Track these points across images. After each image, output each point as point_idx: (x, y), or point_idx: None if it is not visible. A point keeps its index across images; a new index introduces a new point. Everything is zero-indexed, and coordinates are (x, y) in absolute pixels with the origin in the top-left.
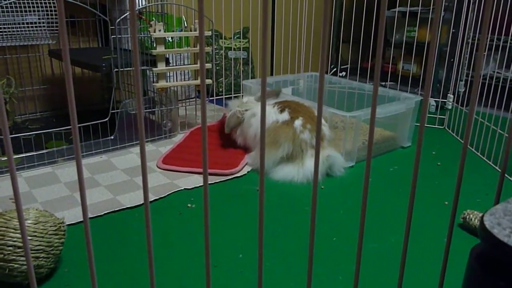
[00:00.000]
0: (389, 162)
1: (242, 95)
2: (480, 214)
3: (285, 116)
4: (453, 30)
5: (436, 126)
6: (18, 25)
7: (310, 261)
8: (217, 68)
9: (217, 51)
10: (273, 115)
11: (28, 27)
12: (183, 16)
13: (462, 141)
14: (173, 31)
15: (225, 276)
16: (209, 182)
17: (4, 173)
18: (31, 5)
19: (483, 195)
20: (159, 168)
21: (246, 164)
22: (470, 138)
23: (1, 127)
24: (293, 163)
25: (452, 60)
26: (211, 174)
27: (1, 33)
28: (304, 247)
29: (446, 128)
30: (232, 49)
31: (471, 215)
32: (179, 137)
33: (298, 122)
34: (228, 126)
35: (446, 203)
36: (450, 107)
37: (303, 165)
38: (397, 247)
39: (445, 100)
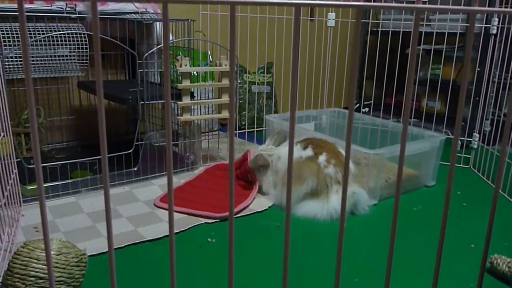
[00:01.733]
0: (413, 201)
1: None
2: (508, 259)
3: (309, 152)
4: (479, 69)
5: (461, 165)
6: (50, 58)
7: None
8: (241, 102)
9: (241, 85)
10: (297, 152)
11: (59, 59)
12: (209, 51)
13: (488, 181)
14: (199, 65)
15: None
16: None
17: (29, 202)
18: (63, 38)
19: (511, 239)
20: (155, 206)
21: (245, 208)
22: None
23: (34, 158)
24: (317, 199)
25: (477, 98)
26: (201, 216)
27: (34, 65)
28: (326, 286)
29: (471, 167)
30: (256, 83)
31: (498, 260)
32: (201, 170)
33: (322, 158)
34: (255, 163)
35: (473, 245)
36: (475, 146)
37: (328, 201)
38: None
39: (471, 139)
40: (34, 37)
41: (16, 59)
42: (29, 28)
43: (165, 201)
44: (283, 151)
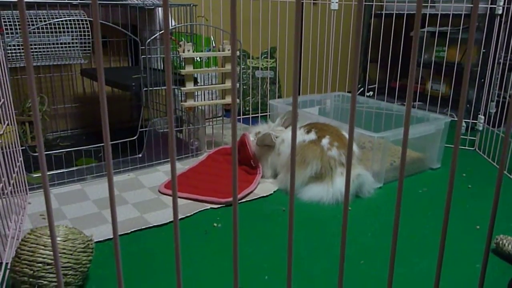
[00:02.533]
0: (418, 184)
1: (268, 119)
2: None
3: (312, 136)
4: (484, 50)
5: (466, 148)
6: (52, 45)
7: (339, 285)
8: (244, 87)
9: (245, 70)
10: (300, 136)
11: (61, 47)
12: (212, 36)
13: (494, 163)
14: (202, 51)
15: None
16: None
17: (35, 190)
18: (65, 26)
19: None
20: (160, 192)
21: (248, 193)
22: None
23: (37, 145)
24: (322, 182)
25: (482, 80)
26: (206, 202)
27: (37, 53)
28: (331, 270)
29: (476, 149)
30: (260, 68)
31: (504, 240)
32: (204, 156)
33: (325, 141)
34: (262, 142)
35: (478, 227)
36: (481, 128)
37: (333, 184)
38: (428, 273)
39: (476, 121)
40: (36, 24)
41: (18, 47)
42: (31, 16)
43: (169, 187)
44: (287, 134)
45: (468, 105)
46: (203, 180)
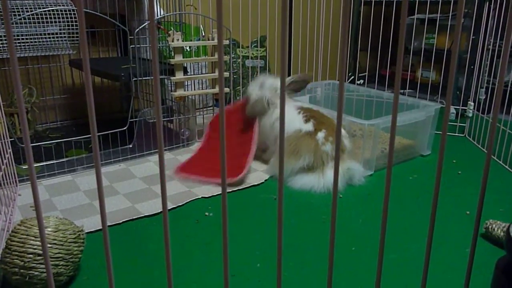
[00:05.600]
0: (409, 171)
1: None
2: (503, 224)
3: (310, 127)
4: (473, 37)
5: (456, 134)
6: (39, 36)
7: (330, 271)
8: (235, 76)
9: (235, 59)
10: (297, 123)
11: (49, 37)
12: (201, 26)
13: (484, 149)
14: (191, 40)
15: (243, 286)
16: (227, 191)
17: (25, 181)
18: (52, 16)
19: (506, 204)
20: (176, 175)
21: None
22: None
23: (23, 136)
24: (313, 173)
25: (472, 67)
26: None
27: (24, 44)
28: (322, 256)
29: (466, 136)
30: (250, 57)
31: (493, 225)
32: (196, 146)
33: (320, 135)
34: (252, 110)
35: (468, 212)
36: (470, 114)
37: (324, 175)
38: (418, 258)
39: (466, 108)
40: (22, 14)
41: (5, 38)
42: (17, 6)
43: (185, 171)
44: (287, 111)
45: (458, 92)
46: (210, 160)
